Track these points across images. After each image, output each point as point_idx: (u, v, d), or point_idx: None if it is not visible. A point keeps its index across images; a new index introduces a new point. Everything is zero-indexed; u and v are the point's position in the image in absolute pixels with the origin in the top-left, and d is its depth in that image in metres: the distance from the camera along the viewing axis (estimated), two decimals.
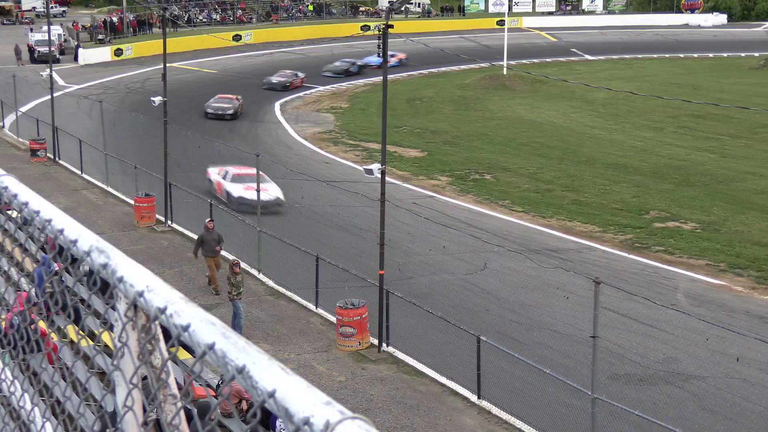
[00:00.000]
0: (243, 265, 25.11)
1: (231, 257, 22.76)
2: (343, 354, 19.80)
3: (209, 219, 23.36)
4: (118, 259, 2.08)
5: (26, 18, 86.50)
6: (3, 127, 43.75)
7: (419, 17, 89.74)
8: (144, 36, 72.54)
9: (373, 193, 24.42)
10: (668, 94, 48.03)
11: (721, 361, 19.17)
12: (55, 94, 38.43)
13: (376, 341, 20.04)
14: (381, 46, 20.22)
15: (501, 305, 22.36)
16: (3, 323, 3.46)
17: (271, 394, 1.46)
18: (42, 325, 3.16)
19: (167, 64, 29.65)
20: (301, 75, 57.17)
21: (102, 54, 66.48)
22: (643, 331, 20.58)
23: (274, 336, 20.47)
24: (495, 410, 17.33)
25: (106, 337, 2.24)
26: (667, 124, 45.47)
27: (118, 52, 67.00)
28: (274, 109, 49.96)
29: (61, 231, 2.35)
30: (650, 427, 15.78)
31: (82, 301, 3.59)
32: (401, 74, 59.04)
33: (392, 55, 62.43)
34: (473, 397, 17.76)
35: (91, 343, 2.59)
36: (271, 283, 23.87)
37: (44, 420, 2.85)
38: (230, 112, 46.62)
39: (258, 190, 25.53)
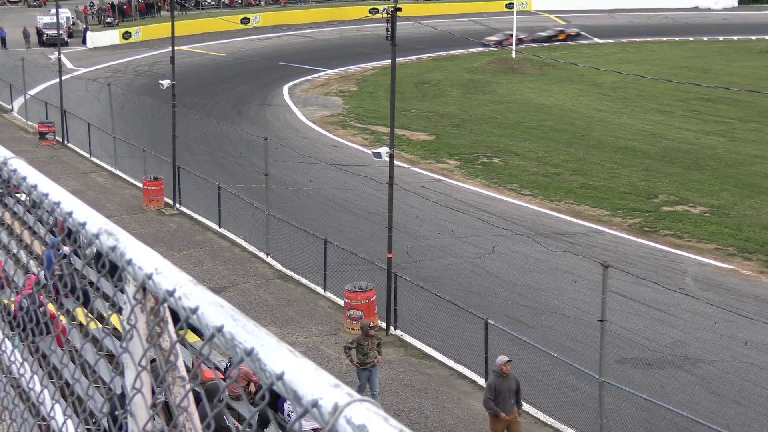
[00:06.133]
0: (251, 248, 25.18)
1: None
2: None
3: (504, 357, 15.53)
4: (126, 241, 2.08)
5: (35, 1, 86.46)
6: (12, 110, 43.81)
7: (428, 0, 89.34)
8: (152, 19, 72.49)
9: (381, 177, 24.41)
10: (677, 78, 47.80)
11: (729, 345, 19.16)
12: (63, 78, 38.46)
13: (384, 324, 20.09)
14: (390, 29, 20.13)
15: (509, 289, 22.36)
16: (13, 306, 3.48)
17: (280, 377, 1.46)
18: (51, 307, 3.17)
19: (175, 48, 29.60)
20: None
21: (110, 37, 66.50)
22: (651, 315, 20.57)
23: (282, 319, 20.53)
24: None
25: (115, 319, 2.25)
26: (676, 108, 45.22)
27: (127, 35, 66.98)
28: (283, 92, 49.90)
29: (70, 214, 2.35)
30: (658, 410, 15.80)
31: (91, 283, 3.60)
32: (410, 57, 58.84)
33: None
34: (481, 381, 17.79)
35: (100, 325, 2.60)
36: (279, 266, 23.91)
37: (54, 402, 2.86)
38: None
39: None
